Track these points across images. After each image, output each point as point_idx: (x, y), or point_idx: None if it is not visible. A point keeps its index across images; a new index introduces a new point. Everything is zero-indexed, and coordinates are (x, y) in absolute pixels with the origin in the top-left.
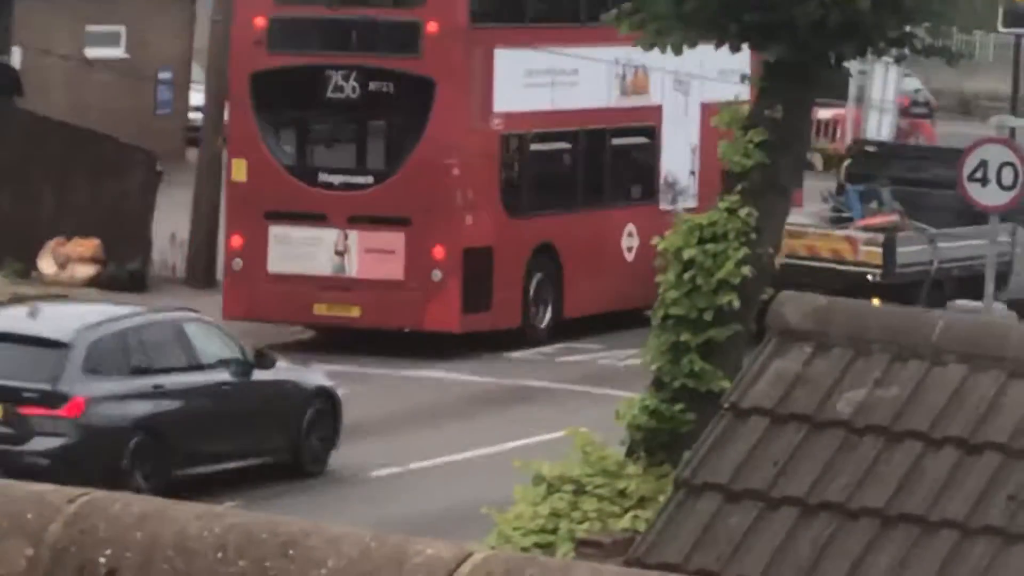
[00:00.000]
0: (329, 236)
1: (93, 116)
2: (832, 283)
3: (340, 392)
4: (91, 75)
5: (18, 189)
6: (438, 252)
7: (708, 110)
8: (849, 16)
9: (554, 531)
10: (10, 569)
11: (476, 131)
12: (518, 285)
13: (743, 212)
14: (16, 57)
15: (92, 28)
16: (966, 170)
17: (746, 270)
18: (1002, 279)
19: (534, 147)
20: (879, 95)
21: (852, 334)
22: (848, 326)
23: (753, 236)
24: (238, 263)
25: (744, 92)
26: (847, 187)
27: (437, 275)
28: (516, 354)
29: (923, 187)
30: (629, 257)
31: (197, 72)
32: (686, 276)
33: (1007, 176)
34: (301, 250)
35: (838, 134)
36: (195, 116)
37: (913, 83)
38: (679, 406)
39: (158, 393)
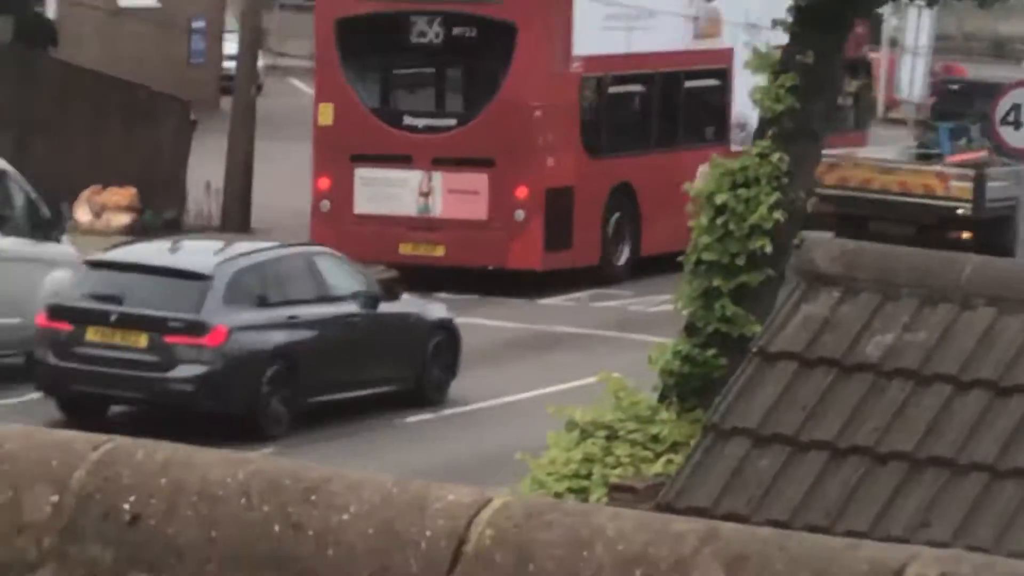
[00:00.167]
0: (414, 178)
1: (127, 66)
2: (923, 218)
3: None
4: (124, 25)
5: (53, 139)
6: (521, 192)
7: None
8: None
9: (587, 476)
10: (35, 516)
11: (556, 74)
12: (597, 224)
13: (775, 157)
14: (51, 8)
15: None
16: (999, 113)
17: (778, 215)
18: None
19: (612, 89)
20: (912, 40)
21: (881, 278)
22: (877, 270)
23: (785, 181)
24: (325, 205)
25: None
26: (938, 125)
27: (520, 215)
28: (548, 300)
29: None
30: None
31: (230, 21)
32: (718, 221)
33: None
34: (386, 191)
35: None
36: (229, 65)
37: None
38: (711, 351)
39: (293, 323)
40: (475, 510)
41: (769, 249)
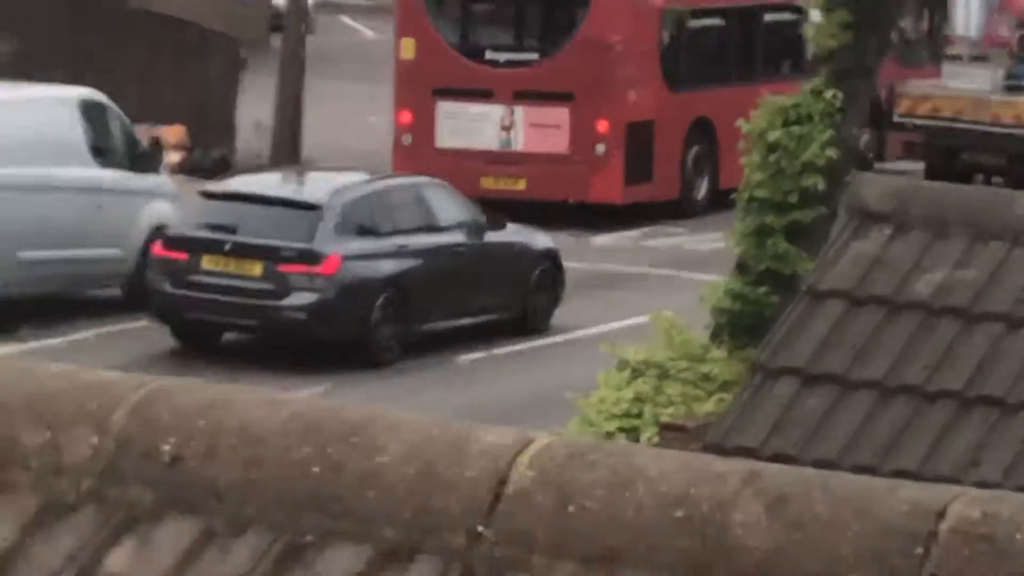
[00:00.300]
0: (495, 112)
1: (176, 4)
2: (1013, 148)
3: None
4: None
5: (105, 77)
6: (602, 126)
7: None
8: None
9: (638, 415)
10: (75, 458)
11: (637, 8)
12: (676, 158)
13: (828, 94)
14: None
15: None
16: None
17: (831, 152)
18: None
19: (692, 24)
20: None
21: (931, 215)
22: (927, 207)
23: (838, 118)
24: (407, 139)
25: None
26: None
27: (601, 148)
28: (600, 238)
29: None
30: None
31: None
32: (771, 158)
33: None
34: (468, 125)
35: None
36: (279, 3)
37: None
38: (763, 289)
39: (402, 253)
40: (516, 451)
41: (822, 186)
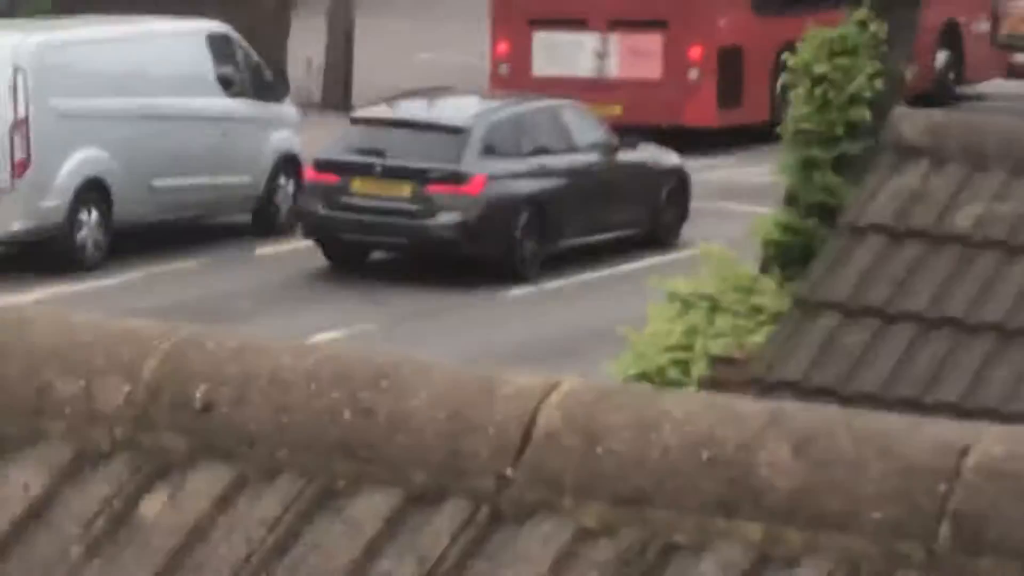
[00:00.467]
0: (590, 40)
1: None
2: None
3: None
4: None
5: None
6: (694, 52)
7: None
8: None
9: (689, 348)
10: (108, 406)
11: None
12: (765, 82)
13: (874, 25)
14: None
15: None
16: None
17: (878, 83)
18: None
19: None
20: None
21: (969, 148)
22: (965, 140)
23: (884, 49)
24: (504, 68)
25: None
26: None
27: (694, 74)
28: None
29: None
30: None
31: None
32: (817, 91)
33: None
34: (564, 53)
35: None
36: None
37: None
38: (812, 221)
39: (542, 172)
40: (544, 394)
41: (869, 118)
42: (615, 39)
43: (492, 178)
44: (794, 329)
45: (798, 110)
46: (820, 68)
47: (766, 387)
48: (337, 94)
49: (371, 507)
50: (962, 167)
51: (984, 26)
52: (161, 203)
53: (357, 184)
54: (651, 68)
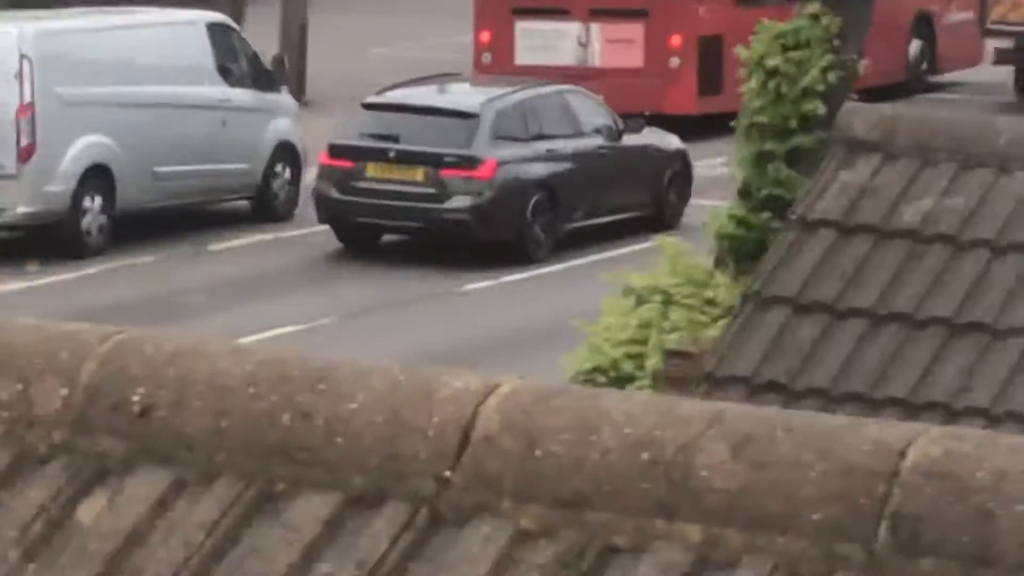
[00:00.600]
0: (572, 29)
1: None
2: None
3: None
4: None
5: None
6: (675, 41)
7: None
8: None
9: (644, 341)
10: (45, 409)
11: None
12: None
13: (826, 19)
14: None
15: None
16: None
17: (831, 76)
18: None
19: None
20: None
21: (918, 143)
22: (914, 135)
23: (837, 43)
24: (487, 57)
25: None
26: None
27: (675, 62)
28: None
29: None
30: None
31: None
32: (770, 84)
33: None
34: (546, 42)
35: None
36: None
37: None
38: (766, 214)
39: (551, 156)
40: (483, 396)
41: (822, 111)
42: (597, 28)
43: (503, 162)
44: (745, 324)
45: (752, 103)
46: (773, 61)
47: (717, 382)
48: (290, 89)
49: (310, 510)
50: (912, 162)
51: (957, 16)
52: (163, 189)
53: (371, 169)
54: (632, 57)
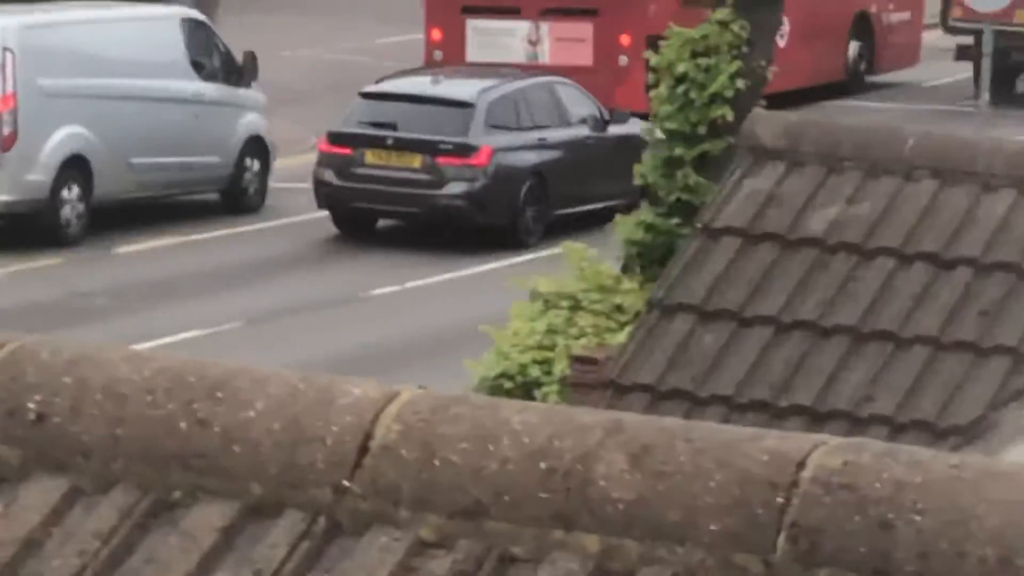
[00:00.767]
0: (522, 28)
1: None
2: None
3: None
4: None
5: None
6: (624, 39)
7: None
8: None
9: (551, 347)
10: None
11: None
12: None
13: (735, 25)
14: None
15: None
16: None
17: (740, 83)
18: None
19: None
20: None
21: (824, 151)
22: (820, 143)
23: (745, 49)
24: (438, 55)
25: None
26: None
27: (624, 60)
28: None
29: None
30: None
31: None
32: (679, 90)
33: None
34: (496, 41)
35: None
36: None
37: None
38: (674, 220)
39: (542, 145)
40: (382, 405)
41: (731, 117)
42: (547, 27)
43: (498, 150)
44: (649, 331)
45: (660, 109)
46: (682, 67)
47: (621, 389)
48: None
49: (207, 519)
50: (818, 170)
51: (896, 16)
52: (139, 180)
53: (370, 156)
54: (582, 55)
